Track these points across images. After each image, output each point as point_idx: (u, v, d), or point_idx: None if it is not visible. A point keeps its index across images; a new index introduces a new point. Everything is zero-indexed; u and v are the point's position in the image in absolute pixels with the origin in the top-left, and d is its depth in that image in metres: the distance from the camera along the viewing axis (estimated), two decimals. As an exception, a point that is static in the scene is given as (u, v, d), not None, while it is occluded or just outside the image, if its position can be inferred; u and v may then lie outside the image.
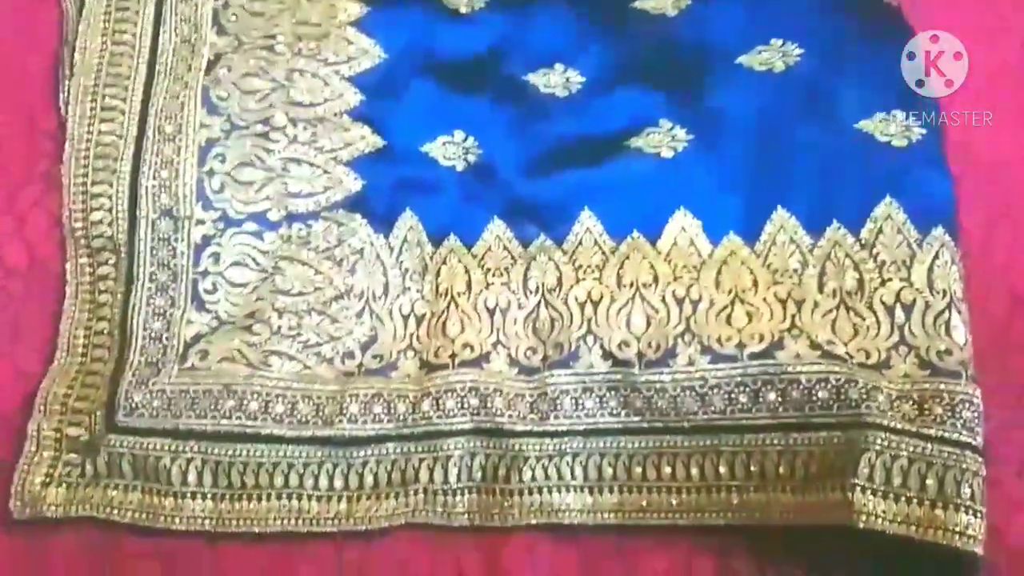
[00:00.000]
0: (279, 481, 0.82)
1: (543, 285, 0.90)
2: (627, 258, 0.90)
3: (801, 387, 0.80)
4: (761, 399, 0.81)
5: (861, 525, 0.72)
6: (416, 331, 0.90)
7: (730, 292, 0.87)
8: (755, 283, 0.87)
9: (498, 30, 1.05)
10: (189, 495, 0.82)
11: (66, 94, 0.99)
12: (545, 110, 1.00)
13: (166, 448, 0.83)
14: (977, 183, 0.94)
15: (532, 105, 1.01)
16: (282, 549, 0.82)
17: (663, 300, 0.87)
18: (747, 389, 0.81)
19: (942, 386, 0.78)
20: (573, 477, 0.82)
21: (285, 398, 0.86)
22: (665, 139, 0.96)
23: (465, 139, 0.99)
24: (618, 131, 0.97)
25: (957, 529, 0.71)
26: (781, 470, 0.79)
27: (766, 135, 0.95)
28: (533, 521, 0.81)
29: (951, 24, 1.01)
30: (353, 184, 0.96)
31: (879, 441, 0.75)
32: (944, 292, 0.83)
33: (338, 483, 0.83)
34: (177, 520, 0.82)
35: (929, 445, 0.75)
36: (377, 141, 0.99)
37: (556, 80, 1.02)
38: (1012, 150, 0.97)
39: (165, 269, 0.92)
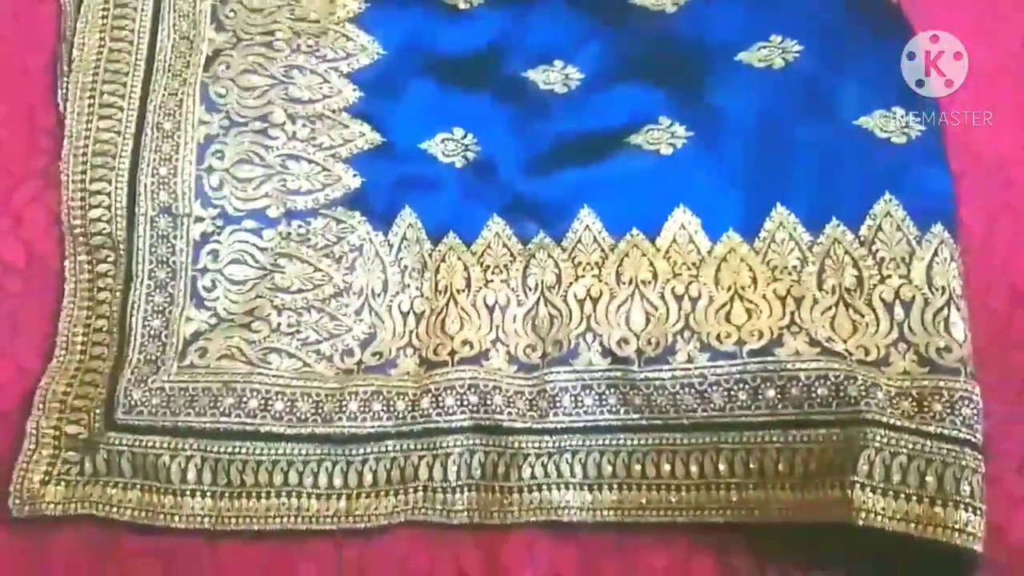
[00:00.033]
0: (278, 479, 0.82)
1: (542, 282, 0.90)
2: (626, 255, 0.90)
3: (800, 384, 0.80)
4: (760, 396, 0.81)
5: (860, 522, 0.72)
6: (415, 328, 0.90)
7: (729, 289, 0.87)
8: (754, 280, 0.87)
9: (497, 26, 1.05)
10: (188, 493, 0.82)
11: (64, 91, 0.99)
12: (544, 107, 1.00)
13: (165, 446, 0.83)
14: (977, 181, 0.94)
15: (531, 102, 1.00)
16: (281, 547, 0.82)
17: (662, 297, 0.87)
18: (746, 386, 0.81)
19: (941, 383, 0.78)
20: (572, 474, 0.82)
21: (284, 396, 0.85)
22: (664, 136, 0.96)
23: (464, 136, 0.99)
24: (617, 128, 0.97)
25: (957, 526, 0.71)
26: (780, 467, 0.79)
27: (765, 132, 0.95)
28: (532, 519, 0.81)
29: (951, 24, 1.01)
30: (352, 181, 0.96)
31: (878, 438, 0.75)
32: (943, 289, 0.83)
33: (337, 481, 0.83)
34: (176, 518, 0.81)
35: (928, 442, 0.75)
36: (376, 138, 0.99)
37: (555, 77, 1.02)
38: (1012, 149, 0.97)
39: (164, 266, 0.92)
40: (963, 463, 0.73)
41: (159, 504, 0.82)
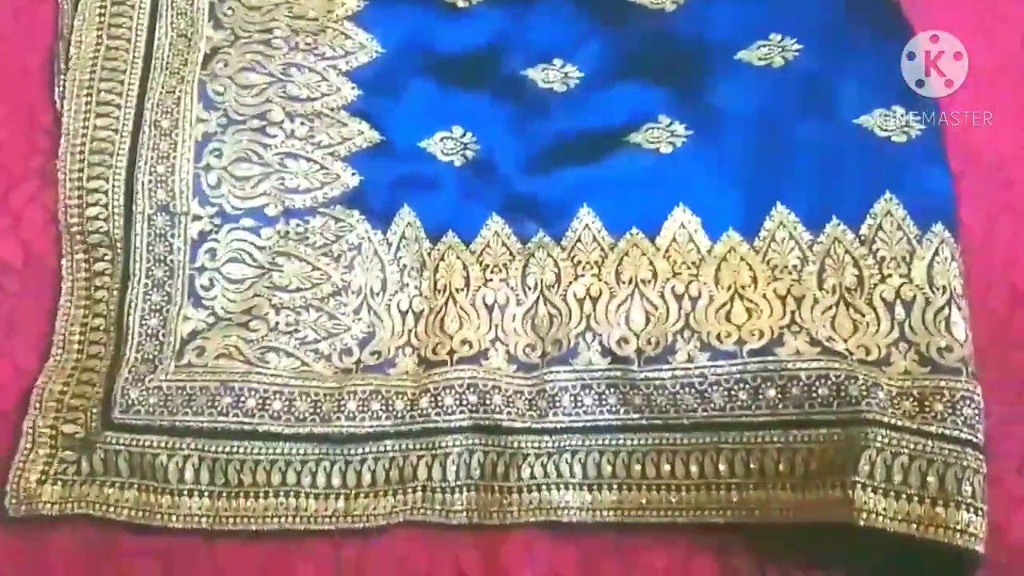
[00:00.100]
0: (276, 479, 0.82)
1: (542, 281, 0.90)
2: (626, 254, 0.90)
3: (801, 384, 0.80)
4: (761, 396, 0.81)
5: (861, 523, 0.72)
6: (414, 328, 0.90)
7: (729, 288, 0.87)
8: (754, 279, 0.87)
9: (496, 25, 1.05)
10: (186, 493, 0.82)
11: (61, 89, 0.98)
12: (544, 106, 1.00)
13: (163, 445, 0.83)
14: (977, 181, 0.94)
15: (530, 101, 1.00)
16: (280, 547, 0.82)
17: (662, 296, 0.87)
18: (747, 386, 0.81)
19: (942, 383, 0.77)
20: (572, 475, 0.82)
21: (282, 395, 0.85)
22: (664, 135, 0.95)
23: (463, 135, 0.99)
24: (617, 127, 0.97)
25: (958, 527, 0.71)
26: (781, 467, 0.78)
27: (765, 131, 0.94)
28: (532, 519, 0.81)
29: (951, 24, 1.01)
30: (351, 180, 0.96)
31: (879, 438, 0.75)
32: (944, 288, 0.83)
33: (336, 481, 0.82)
34: (174, 518, 0.81)
35: (930, 442, 0.74)
36: (375, 136, 0.98)
37: (555, 75, 1.02)
38: (1012, 149, 0.97)
39: (162, 265, 0.91)
40: (965, 463, 0.73)
41: (156, 504, 0.81)
